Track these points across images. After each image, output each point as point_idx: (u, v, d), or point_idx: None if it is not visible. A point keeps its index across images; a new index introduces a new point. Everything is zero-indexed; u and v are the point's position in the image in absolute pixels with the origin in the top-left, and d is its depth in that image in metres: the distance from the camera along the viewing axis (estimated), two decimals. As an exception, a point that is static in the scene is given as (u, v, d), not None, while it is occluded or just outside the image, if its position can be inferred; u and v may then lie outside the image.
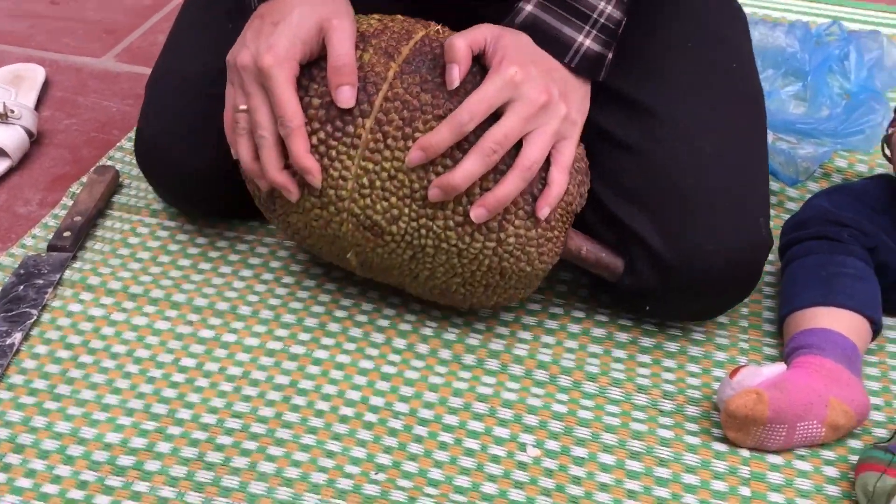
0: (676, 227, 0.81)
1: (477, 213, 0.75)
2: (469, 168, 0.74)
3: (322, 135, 0.76)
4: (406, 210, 0.77)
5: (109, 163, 1.08)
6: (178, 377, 0.82)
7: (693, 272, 0.81)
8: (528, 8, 0.79)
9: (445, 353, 0.85)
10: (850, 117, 1.06)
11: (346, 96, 0.75)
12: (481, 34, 0.76)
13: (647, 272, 0.82)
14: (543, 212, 0.77)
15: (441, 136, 0.74)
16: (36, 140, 1.12)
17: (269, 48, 0.75)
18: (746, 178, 0.84)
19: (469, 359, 0.85)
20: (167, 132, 0.91)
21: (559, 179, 0.77)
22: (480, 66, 0.77)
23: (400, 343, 0.86)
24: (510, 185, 0.75)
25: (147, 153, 0.93)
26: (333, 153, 0.76)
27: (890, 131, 0.91)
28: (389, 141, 0.76)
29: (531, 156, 0.75)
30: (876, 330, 0.84)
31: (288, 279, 0.93)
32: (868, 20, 1.37)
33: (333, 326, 0.87)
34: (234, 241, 0.97)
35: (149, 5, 1.44)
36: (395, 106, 0.76)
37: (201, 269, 0.94)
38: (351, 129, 0.76)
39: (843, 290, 0.84)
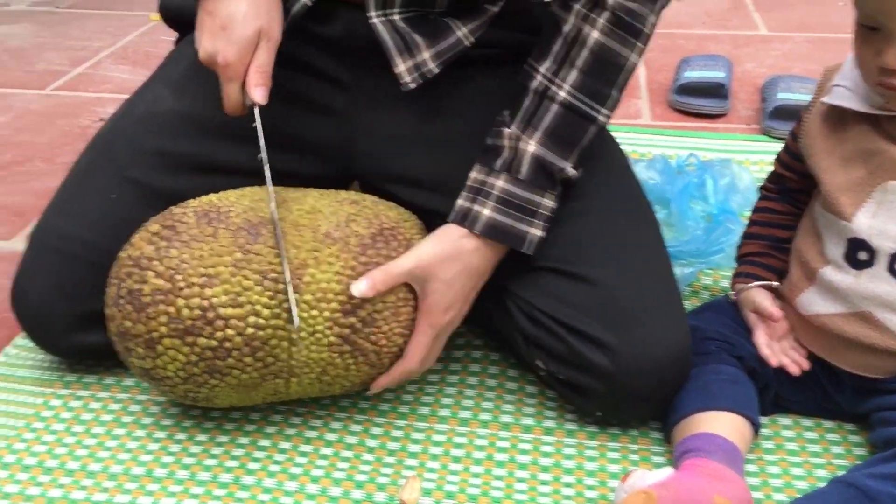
0: (623, 342, 0.90)
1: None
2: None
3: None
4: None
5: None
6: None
7: (641, 377, 0.90)
8: (487, 212, 0.90)
9: (357, 494, 0.89)
10: (710, 238, 1.16)
11: (259, 95, 0.88)
12: (403, 276, 0.89)
13: (599, 387, 0.91)
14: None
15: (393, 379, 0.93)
16: (-55, 326, 1.14)
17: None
18: (671, 288, 0.96)
19: (380, 496, 0.89)
20: (47, 291, 0.98)
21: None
22: None
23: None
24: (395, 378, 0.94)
25: (26, 311, 1.00)
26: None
27: (737, 287, 1.01)
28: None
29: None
30: (756, 428, 0.91)
31: (202, 436, 0.96)
32: (721, 149, 1.51)
33: (248, 479, 0.90)
34: (146, 405, 1.00)
35: (56, 186, 1.46)
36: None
37: (116, 434, 0.96)
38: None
39: (721, 394, 0.91)
